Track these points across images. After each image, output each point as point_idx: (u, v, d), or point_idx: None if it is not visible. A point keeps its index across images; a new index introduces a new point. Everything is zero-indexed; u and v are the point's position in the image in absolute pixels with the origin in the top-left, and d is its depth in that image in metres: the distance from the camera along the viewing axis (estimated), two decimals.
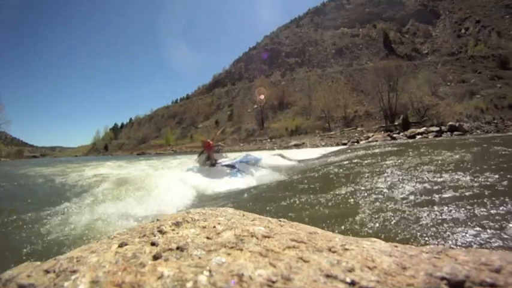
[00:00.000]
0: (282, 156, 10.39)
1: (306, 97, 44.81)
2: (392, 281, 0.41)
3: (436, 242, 1.57)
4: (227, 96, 61.73)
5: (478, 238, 1.55)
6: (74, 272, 0.45)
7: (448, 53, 47.92)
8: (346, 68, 52.08)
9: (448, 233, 1.65)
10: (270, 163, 7.29)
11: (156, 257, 0.49)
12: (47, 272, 0.47)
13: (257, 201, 3.19)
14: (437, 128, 20.28)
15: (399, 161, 4.87)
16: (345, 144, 22.00)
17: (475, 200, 2.12)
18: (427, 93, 32.28)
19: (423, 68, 41.97)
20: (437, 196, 2.34)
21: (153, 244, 0.55)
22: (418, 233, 1.70)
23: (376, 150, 7.98)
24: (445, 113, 28.38)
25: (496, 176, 2.78)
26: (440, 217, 1.89)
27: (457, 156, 4.55)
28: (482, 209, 1.92)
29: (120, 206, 2.90)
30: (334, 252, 0.51)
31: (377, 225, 1.90)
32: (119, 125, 78.72)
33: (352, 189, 2.97)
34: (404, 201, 2.33)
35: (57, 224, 2.42)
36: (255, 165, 5.31)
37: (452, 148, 5.89)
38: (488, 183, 2.60)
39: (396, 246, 0.54)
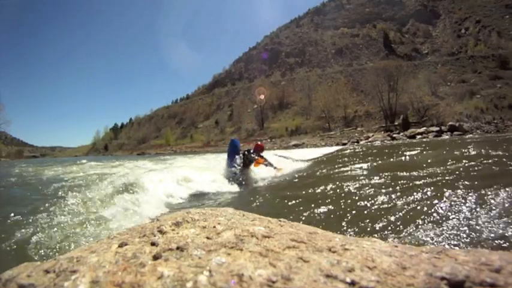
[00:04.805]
0: (283, 157, 10.38)
1: (306, 97, 44.79)
2: (392, 281, 0.41)
3: (435, 242, 1.57)
4: (227, 96, 61.75)
5: (477, 238, 1.55)
6: (74, 272, 0.45)
7: (448, 53, 47.92)
8: (346, 68, 52.06)
9: (447, 232, 1.65)
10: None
11: (156, 257, 0.49)
12: (47, 272, 0.47)
13: (256, 201, 3.19)
14: (437, 128, 20.31)
15: (399, 161, 4.88)
16: (345, 144, 21.97)
17: (477, 200, 2.12)
18: (427, 93, 32.30)
19: (423, 68, 41.98)
20: (437, 196, 2.34)
21: (153, 244, 0.55)
22: (418, 233, 1.70)
23: (376, 150, 7.99)
24: (445, 113, 28.36)
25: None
26: (440, 217, 1.89)
27: (457, 155, 4.55)
28: (484, 209, 1.92)
29: None
30: (334, 252, 0.51)
31: (377, 224, 1.90)
32: (119, 125, 78.78)
33: (352, 189, 2.97)
34: (404, 201, 2.33)
35: (59, 223, 2.41)
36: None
37: (452, 147, 5.89)
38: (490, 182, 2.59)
39: (396, 246, 0.54)
